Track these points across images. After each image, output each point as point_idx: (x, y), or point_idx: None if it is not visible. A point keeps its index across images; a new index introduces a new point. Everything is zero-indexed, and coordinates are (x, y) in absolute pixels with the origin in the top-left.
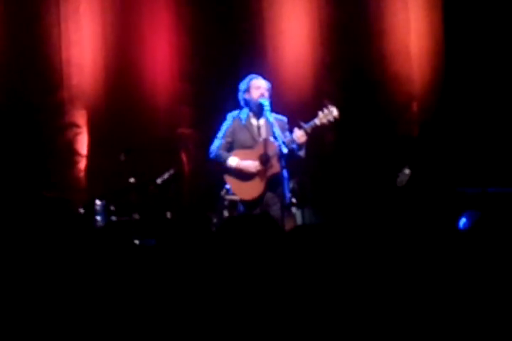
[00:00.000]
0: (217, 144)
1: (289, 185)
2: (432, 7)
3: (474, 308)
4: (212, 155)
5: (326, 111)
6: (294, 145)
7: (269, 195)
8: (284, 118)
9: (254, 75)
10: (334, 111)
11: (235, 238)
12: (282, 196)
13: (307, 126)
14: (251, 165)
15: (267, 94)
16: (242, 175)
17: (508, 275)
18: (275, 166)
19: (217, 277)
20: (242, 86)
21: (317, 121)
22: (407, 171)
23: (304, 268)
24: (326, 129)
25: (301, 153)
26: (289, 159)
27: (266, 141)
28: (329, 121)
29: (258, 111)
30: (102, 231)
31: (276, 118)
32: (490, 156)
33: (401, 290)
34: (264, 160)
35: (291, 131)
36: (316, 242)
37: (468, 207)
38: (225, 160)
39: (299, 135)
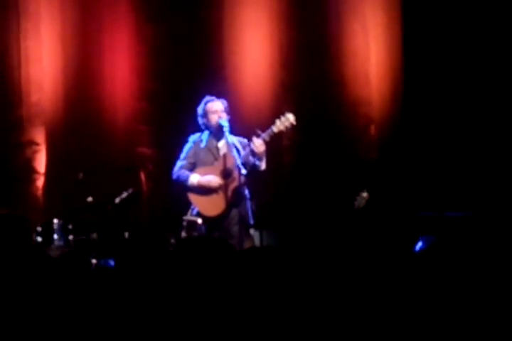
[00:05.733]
0: (179, 165)
1: (251, 205)
2: (391, 32)
3: (428, 331)
4: (174, 177)
5: (282, 118)
6: (254, 159)
7: (233, 211)
8: (245, 140)
9: (209, 98)
10: (290, 117)
11: (190, 259)
12: (245, 215)
13: (265, 135)
14: (212, 179)
15: (224, 115)
16: (204, 191)
17: (460, 299)
18: (236, 179)
19: (170, 298)
20: (199, 110)
21: (274, 129)
22: (364, 194)
23: (257, 291)
24: (284, 149)
25: (262, 164)
26: (251, 174)
27: (226, 156)
28: (286, 128)
29: (218, 133)
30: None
31: (237, 140)
32: (448, 180)
33: (356, 313)
34: (225, 174)
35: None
36: (271, 264)
37: (425, 232)
38: (186, 179)
39: (258, 144)
